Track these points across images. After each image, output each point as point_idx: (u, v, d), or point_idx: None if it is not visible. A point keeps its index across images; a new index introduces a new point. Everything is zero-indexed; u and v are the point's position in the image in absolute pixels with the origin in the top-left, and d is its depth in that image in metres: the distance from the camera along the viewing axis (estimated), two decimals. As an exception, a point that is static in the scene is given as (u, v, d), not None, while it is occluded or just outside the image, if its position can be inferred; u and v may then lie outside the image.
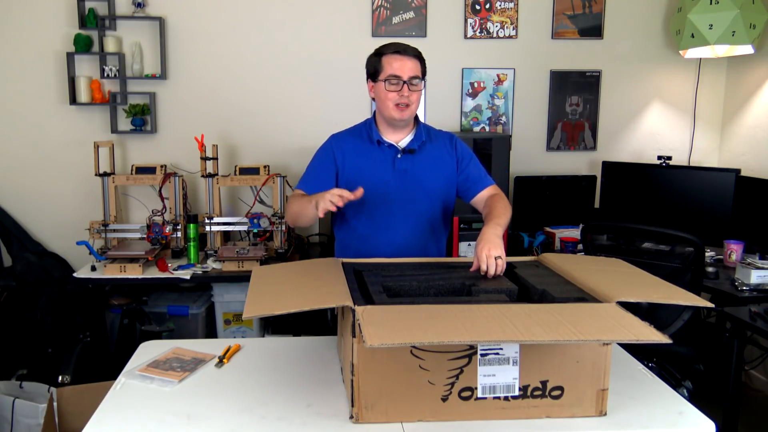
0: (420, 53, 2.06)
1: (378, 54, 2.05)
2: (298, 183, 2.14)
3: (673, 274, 2.51)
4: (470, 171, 2.17)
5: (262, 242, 3.24)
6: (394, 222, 2.11)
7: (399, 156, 2.10)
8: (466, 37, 3.60)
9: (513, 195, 3.55)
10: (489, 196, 2.11)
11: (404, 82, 2.00)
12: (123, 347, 3.02)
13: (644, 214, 3.43)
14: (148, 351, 1.83)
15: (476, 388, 1.40)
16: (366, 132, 2.14)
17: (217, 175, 3.23)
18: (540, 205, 3.59)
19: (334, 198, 1.80)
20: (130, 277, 2.91)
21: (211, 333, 3.28)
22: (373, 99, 2.13)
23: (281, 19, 3.50)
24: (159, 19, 3.39)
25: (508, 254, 1.81)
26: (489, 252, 1.75)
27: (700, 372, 2.80)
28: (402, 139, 2.13)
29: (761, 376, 3.46)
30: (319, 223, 3.59)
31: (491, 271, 1.73)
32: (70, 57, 3.35)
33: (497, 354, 1.39)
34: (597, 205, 3.64)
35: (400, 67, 2.00)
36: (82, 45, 3.34)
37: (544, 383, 1.41)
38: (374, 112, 2.17)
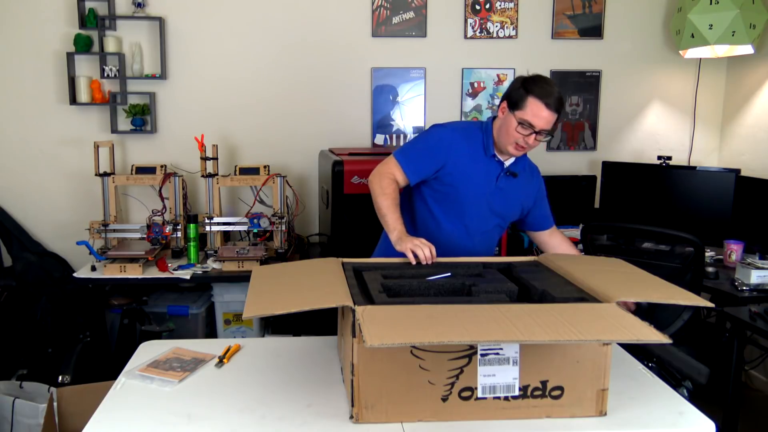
0: (562, 107, 2.06)
1: (527, 90, 2.01)
2: (399, 153, 2.12)
3: (673, 274, 2.50)
4: (543, 206, 2.30)
5: (262, 242, 3.24)
6: (474, 230, 2.18)
7: (503, 174, 2.15)
8: (466, 37, 3.60)
9: (513, 195, 3.55)
10: (552, 234, 2.32)
11: (536, 132, 2.02)
12: (123, 347, 3.02)
13: (644, 214, 3.43)
14: (148, 351, 1.83)
15: (476, 388, 1.40)
16: (482, 140, 2.14)
17: (217, 175, 3.23)
18: (540, 205, 3.59)
19: (418, 250, 1.84)
20: (130, 277, 2.91)
21: (211, 333, 3.28)
22: (496, 116, 2.15)
23: (281, 19, 3.50)
24: (159, 19, 3.39)
25: (508, 254, 1.82)
26: None
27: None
28: (509, 159, 2.17)
29: (761, 376, 3.45)
30: (319, 224, 3.59)
31: None
32: (70, 57, 3.35)
33: (497, 354, 1.39)
34: (597, 205, 3.64)
35: (539, 117, 2.00)
36: (82, 45, 3.34)
37: (544, 383, 1.41)
38: (492, 119, 2.17)
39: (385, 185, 2.04)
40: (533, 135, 2.02)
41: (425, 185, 2.16)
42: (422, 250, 1.84)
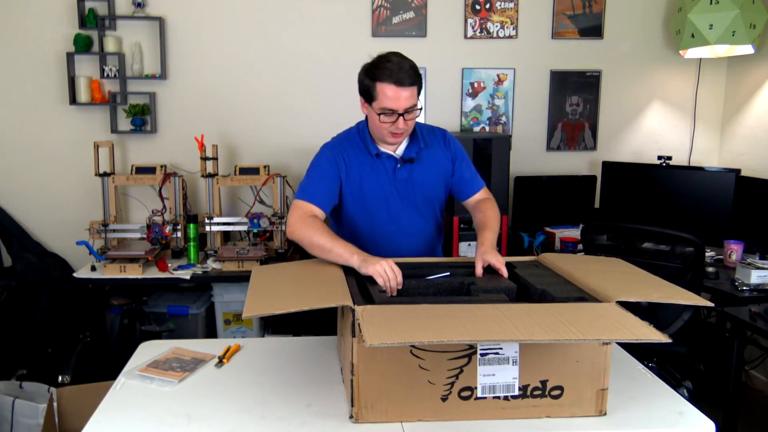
0: (416, 76, 1.91)
1: (371, 77, 1.91)
2: (299, 192, 1.99)
3: (673, 274, 2.51)
4: (463, 172, 2.14)
5: (262, 242, 3.24)
6: (401, 233, 2.09)
7: (399, 166, 2.05)
8: (466, 37, 3.60)
9: (513, 195, 3.55)
10: (479, 201, 2.13)
11: (399, 114, 1.91)
12: (123, 347, 3.02)
13: (644, 214, 3.43)
14: (148, 351, 1.83)
15: (476, 388, 1.40)
16: (362, 142, 2.06)
17: (217, 175, 3.23)
18: (540, 205, 3.59)
19: (388, 272, 1.67)
20: (130, 277, 2.91)
21: (211, 333, 3.28)
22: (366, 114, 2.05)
23: (281, 19, 3.50)
24: (159, 19, 3.39)
25: (508, 254, 1.82)
26: (501, 260, 1.82)
27: (700, 372, 2.80)
28: (398, 147, 2.07)
29: (761, 376, 3.45)
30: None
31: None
32: (70, 57, 3.35)
33: (497, 354, 1.39)
34: (597, 205, 3.64)
35: (395, 99, 1.89)
36: (82, 45, 3.34)
37: (543, 383, 1.41)
38: (366, 119, 2.08)
39: (309, 223, 1.87)
40: (400, 118, 1.91)
41: (341, 203, 2.06)
42: (387, 278, 1.66)
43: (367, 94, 1.94)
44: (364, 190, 2.04)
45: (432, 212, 2.15)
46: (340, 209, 2.08)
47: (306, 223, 1.87)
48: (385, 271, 1.67)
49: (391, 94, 1.88)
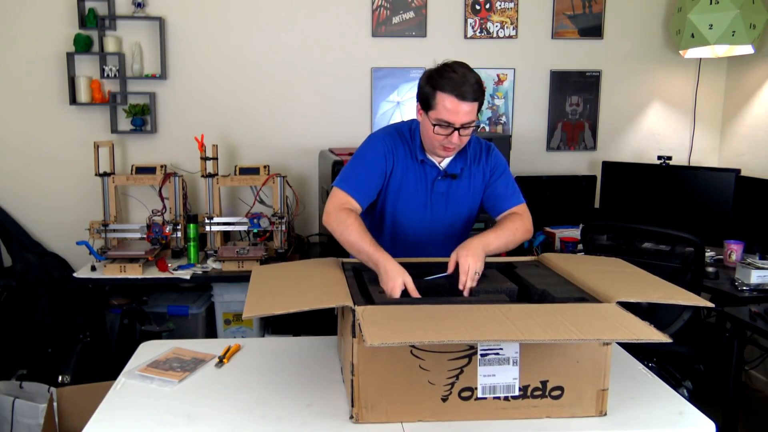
0: (480, 91, 1.80)
1: (433, 85, 1.80)
2: (340, 180, 1.91)
3: (673, 274, 2.51)
4: (498, 186, 2.01)
5: (262, 242, 3.24)
6: (421, 244, 2.03)
7: (440, 179, 1.97)
8: (466, 37, 3.60)
9: (513, 195, 3.55)
10: (508, 214, 1.97)
11: (455, 129, 1.81)
12: (123, 347, 3.02)
13: (644, 214, 3.43)
14: (148, 351, 1.83)
15: (476, 388, 1.40)
16: (411, 144, 1.96)
17: (217, 175, 3.23)
18: (540, 205, 3.59)
19: (398, 288, 1.61)
20: (130, 277, 2.91)
21: (211, 333, 3.28)
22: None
23: (281, 19, 3.50)
24: (159, 19, 3.39)
25: (508, 254, 1.81)
26: (468, 262, 1.67)
27: (700, 372, 2.80)
28: (444, 159, 1.97)
29: (761, 376, 3.45)
30: (319, 224, 3.59)
31: (468, 285, 1.66)
32: (70, 57, 3.35)
33: (497, 354, 1.39)
34: (597, 205, 3.64)
35: (454, 112, 1.78)
36: (82, 45, 3.34)
37: (544, 383, 1.41)
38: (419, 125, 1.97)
39: (344, 217, 1.79)
40: (455, 133, 1.81)
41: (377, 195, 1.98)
42: (397, 288, 1.61)
43: (425, 101, 1.84)
44: (401, 193, 1.98)
45: (459, 232, 2.06)
46: (375, 200, 2.00)
47: (341, 216, 1.80)
48: (394, 288, 1.61)
49: (450, 107, 1.78)
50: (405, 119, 2.11)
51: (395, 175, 1.97)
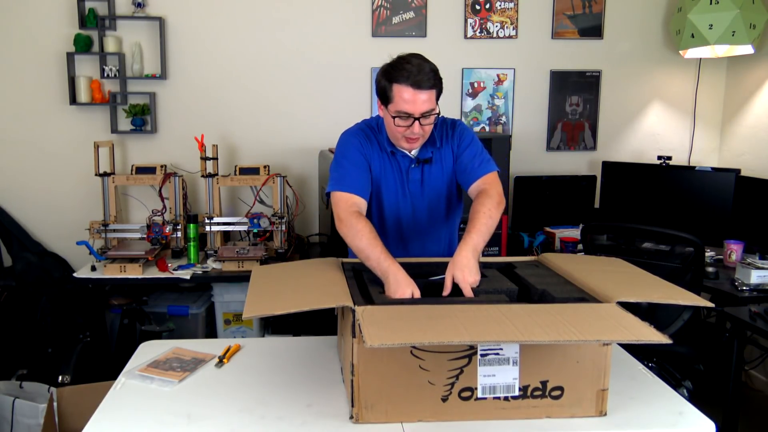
0: (436, 79, 1.82)
1: (389, 78, 1.82)
2: (334, 184, 1.91)
3: (673, 274, 2.51)
4: (464, 158, 1.97)
5: (262, 242, 3.24)
6: (410, 234, 2.04)
7: (413, 167, 1.98)
8: (466, 37, 3.60)
9: (513, 195, 3.55)
10: (479, 192, 1.89)
11: (415, 119, 1.82)
12: (123, 347, 3.02)
13: (644, 214, 3.43)
14: (148, 351, 1.83)
15: (476, 389, 1.40)
16: (378, 138, 1.99)
17: (217, 175, 3.23)
18: (540, 205, 3.59)
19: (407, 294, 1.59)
20: (130, 277, 2.91)
21: (211, 333, 3.28)
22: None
23: (281, 19, 3.50)
24: (159, 19, 3.39)
25: (508, 254, 1.80)
26: (466, 278, 1.63)
27: (700, 372, 2.80)
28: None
29: (761, 376, 3.45)
30: (319, 224, 3.59)
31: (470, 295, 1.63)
32: (70, 57, 3.35)
33: (497, 354, 1.39)
34: (597, 205, 3.64)
35: (412, 102, 1.79)
36: (82, 45, 3.34)
37: (544, 383, 1.41)
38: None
39: (354, 222, 1.77)
40: (416, 123, 1.81)
41: None
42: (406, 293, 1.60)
43: (384, 95, 1.85)
44: (380, 186, 2.00)
45: (444, 213, 2.06)
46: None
47: (351, 221, 1.78)
48: (404, 293, 1.59)
49: (407, 97, 1.79)
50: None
51: (374, 169, 1.99)
